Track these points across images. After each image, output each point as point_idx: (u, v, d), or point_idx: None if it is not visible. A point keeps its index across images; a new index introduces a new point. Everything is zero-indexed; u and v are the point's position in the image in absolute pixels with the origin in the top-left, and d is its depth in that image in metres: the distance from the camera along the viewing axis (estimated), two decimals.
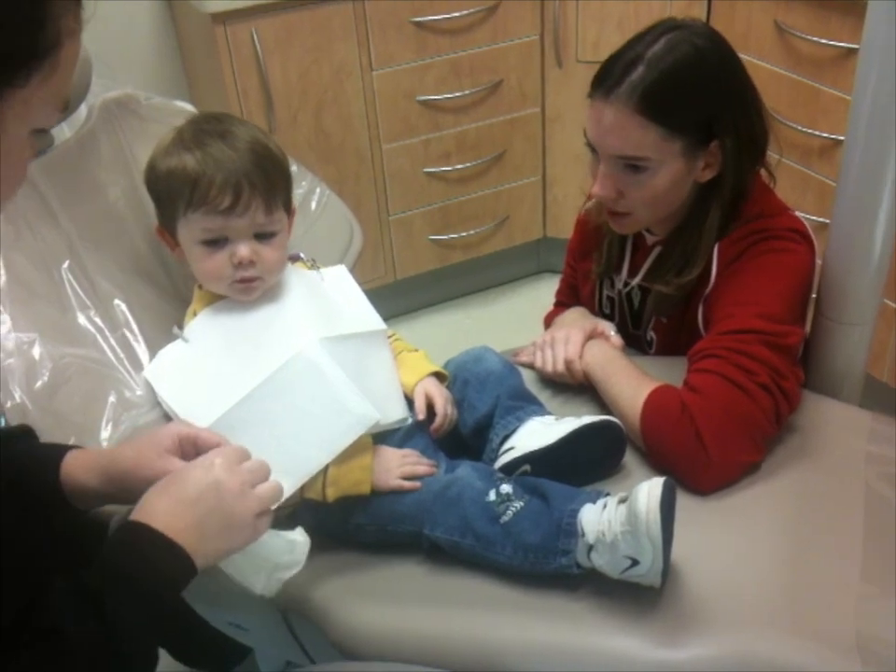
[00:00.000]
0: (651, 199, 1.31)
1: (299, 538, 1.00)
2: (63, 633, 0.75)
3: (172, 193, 1.14)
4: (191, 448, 1.00)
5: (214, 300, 1.21)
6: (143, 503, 0.88)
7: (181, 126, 1.19)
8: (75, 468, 0.99)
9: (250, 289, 1.18)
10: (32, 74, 0.70)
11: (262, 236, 1.16)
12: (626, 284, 1.48)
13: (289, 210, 1.22)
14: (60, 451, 1.01)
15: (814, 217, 2.04)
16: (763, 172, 1.37)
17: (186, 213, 1.14)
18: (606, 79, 1.26)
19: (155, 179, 1.18)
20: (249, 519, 0.92)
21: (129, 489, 0.98)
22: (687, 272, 1.35)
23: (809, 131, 2.12)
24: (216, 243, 1.15)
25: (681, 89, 1.25)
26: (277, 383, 1.11)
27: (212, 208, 1.12)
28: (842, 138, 1.84)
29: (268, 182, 1.15)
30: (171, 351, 1.21)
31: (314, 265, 1.30)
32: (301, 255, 1.30)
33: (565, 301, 1.67)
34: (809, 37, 2.05)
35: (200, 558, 0.86)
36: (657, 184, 1.29)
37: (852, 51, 1.94)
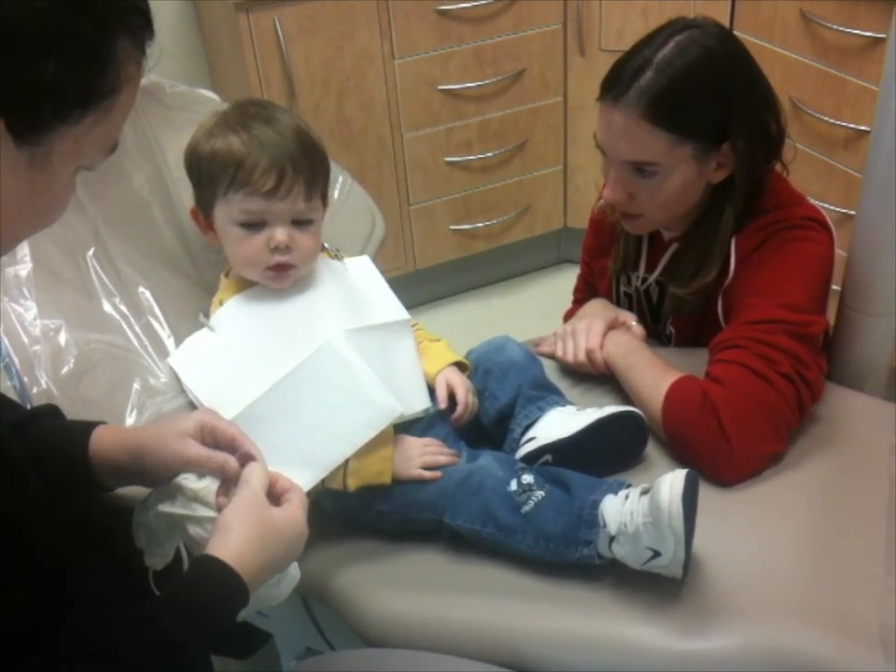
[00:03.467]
0: (663, 202, 1.31)
1: (291, 569, 0.98)
2: (118, 653, 0.76)
3: (214, 173, 1.14)
4: (210, 436, 1.01)
5: (240, 288, 1.21)
6: (224, 537, 0.89)
7: (225, 110, 1.19)
8: (102, 441, 1.00)
9: (283, 277, 1.18)
10: (87, 114, 0.70)
11: (300, 223, 1.16)
12: (644, 280, 1.48)
13: (325, 201, 1.22)
14: (88, 426, 1.02)
15: (838, 208, 2.03)
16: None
17: (227, 193, 1.14)
18: (615, 84, 1.25)
19: (197, 160, 1.17)
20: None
21: (145, 465, 0.98)
22: (703, 272, 1.34)
23: (834, 121, 2.10)
24: (253, 226, 1.15)
25: (690, 94, 1.24)
26: (303, 374, 1.12)
27: (254, 189, 1.12)
28: (867, 129, 1.82)
29: (311, 168, 1.15)
30: (196, 339, 1.21)
31: (337, 254, 1.30)
32: (325, 244, 1.31)
33: (583, 298, 1.66)
34: (835, 26, 2.03)
35: (253, 586, 0.88)
36: (668, 187, 1.28)
37: (879, 41, 1.92)
